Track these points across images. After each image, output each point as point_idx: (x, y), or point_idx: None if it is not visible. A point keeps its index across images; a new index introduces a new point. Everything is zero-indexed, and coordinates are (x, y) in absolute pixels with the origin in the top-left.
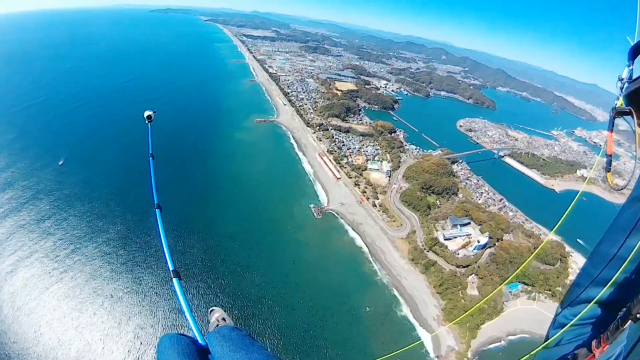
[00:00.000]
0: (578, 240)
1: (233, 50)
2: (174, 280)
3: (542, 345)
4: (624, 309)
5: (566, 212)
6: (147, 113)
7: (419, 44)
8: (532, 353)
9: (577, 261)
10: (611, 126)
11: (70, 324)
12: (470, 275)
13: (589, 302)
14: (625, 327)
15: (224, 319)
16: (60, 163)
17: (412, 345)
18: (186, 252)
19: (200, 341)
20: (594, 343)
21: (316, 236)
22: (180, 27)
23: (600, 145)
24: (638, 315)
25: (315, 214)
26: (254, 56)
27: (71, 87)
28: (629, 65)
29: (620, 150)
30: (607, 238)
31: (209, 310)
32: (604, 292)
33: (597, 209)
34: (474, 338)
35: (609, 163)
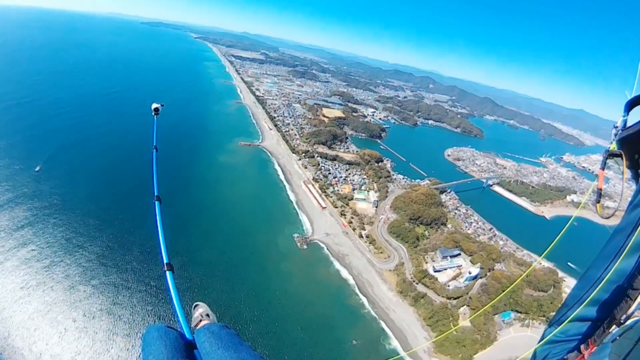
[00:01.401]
0: (569, 263)
1: (221, 70)
2: (167, 273)
3: (527, 353)
4: (609, 317)
5: (557, 238)
6: (154, 105)
7: (406, 72)
8: None
9: (570, 285)
10: (603, 165)
11: (42, 337)
12: (462, 306)
13: (575, 320)
14: (611, 330)
15: (207, 315)
16: (37, 169)
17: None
18: (163, 279)
19: (187, 335)
20: (582, 346)
21: (300, 267)
22: (171, 42)
23: (589, 169)
24: (622, 320)
25: (299, 244)
26: (241, 77)
27: (57, 91)
28: (624, 116)
29: (609, 173)
30: (595, 264)
31: (193, 305)
32: (582, 308)
33: (588, 232)
34: None
35: (599, 196)
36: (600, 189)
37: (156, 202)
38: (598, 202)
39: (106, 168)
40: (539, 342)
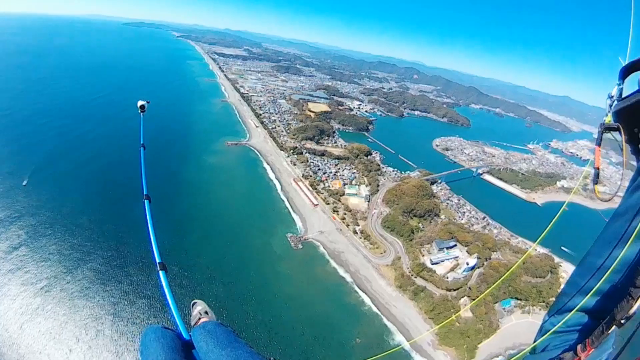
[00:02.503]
0: (562, 248)
1: (204, 68)
2: (160, 273)
3: (528, 349)
4: (608, 317)
5: (550, 224)
6: (140, 103)
7: (390, 64)
8: (518, 356)
9: (567, 270)
10: (599, 141)
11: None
12: (463, 297)
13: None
14: (610, 331)
15: (206, 312)
16: (24, 183)
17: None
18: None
19: (184, 335)
20: (579, 347)
21: (297, 268)
22: (153, 42)
23: (577, 155)
24: (622, 321)
25: (293, 244)
26: (225, 75)
27: (41, 100)
28: (619, 84)
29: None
30: (593, 250)
31: (191, 302)
32: (586, 299)
33: (580, 217)
34: (472, 358)
35: (597, 176)
36: (598, 168)
37: (145, 202)
38: (596, 184)
39: (96, 177)
40: (539, 333)
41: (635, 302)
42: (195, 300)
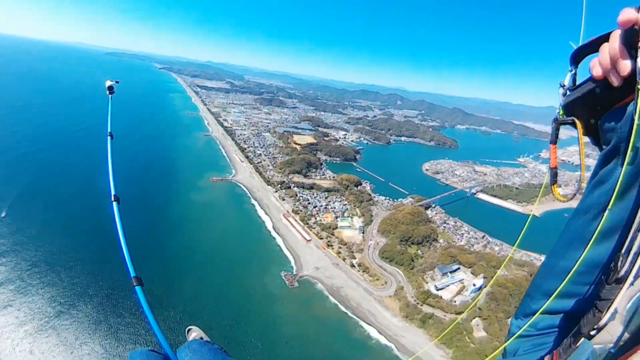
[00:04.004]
0: None
1: (187, 101)
2: (136, 289)
3: (497, 351)
4: (576, 328)
5: (523, 230)
6: (108, 83)
7: (373, 92)
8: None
9: None
10: (554, 138)
11: None
12: (474, 319)
13: (542, 313)
14: (578, 344)
15: (201, 339)
16: (2, 215)
17: None
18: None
19: (171, 357)
20: (546, 359)
21: (295, 307)
22: (135, 73)
23: (568, 161)
24: (592, 332)
25: (288, 282)
26: (208, 108)
27: (23, 128)
28: (571, 70)
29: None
30: (555, 251)
31: (186, 329)
32: (549, 303)
33: None
34: None
35: (554, 176)
36: (555, 168)
37: (114, 203)
38: (554, 184)
39: (83, 216)
40: (508, 337)
41: (604, 316)
42: (190, 327)
